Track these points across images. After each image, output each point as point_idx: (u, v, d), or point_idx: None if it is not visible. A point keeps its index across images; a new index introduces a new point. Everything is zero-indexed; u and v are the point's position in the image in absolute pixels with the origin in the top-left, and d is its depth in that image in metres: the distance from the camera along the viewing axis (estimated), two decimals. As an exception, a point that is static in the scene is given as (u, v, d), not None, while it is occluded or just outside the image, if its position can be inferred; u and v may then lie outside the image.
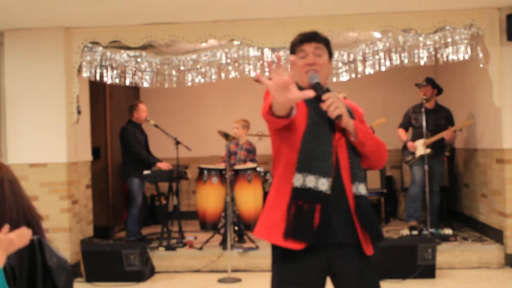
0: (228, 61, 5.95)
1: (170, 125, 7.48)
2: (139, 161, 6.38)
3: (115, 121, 7.29)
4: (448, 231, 5.96)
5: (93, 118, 6.49)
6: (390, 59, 5.75)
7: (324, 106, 2.17)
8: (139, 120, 6.57)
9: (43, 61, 5.74)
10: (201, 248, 5.90)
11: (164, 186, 6.79)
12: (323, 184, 2.17)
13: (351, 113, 2.30)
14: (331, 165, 2.20)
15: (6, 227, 2.15)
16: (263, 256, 5.61)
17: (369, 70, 5.86)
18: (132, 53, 5.99)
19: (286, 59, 5.60)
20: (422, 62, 5.68)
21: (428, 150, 6.14)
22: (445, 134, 6.18)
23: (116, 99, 7.49)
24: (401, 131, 6.57)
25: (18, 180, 2.41)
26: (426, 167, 6.04)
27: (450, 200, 7.44)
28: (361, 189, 2.26)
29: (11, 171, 2.41)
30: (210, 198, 6.07)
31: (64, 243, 5.65)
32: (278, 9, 5.39)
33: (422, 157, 6.21)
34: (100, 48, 5.89)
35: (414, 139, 6.44)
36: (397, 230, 6.41)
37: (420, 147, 6.25)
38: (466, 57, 5.55)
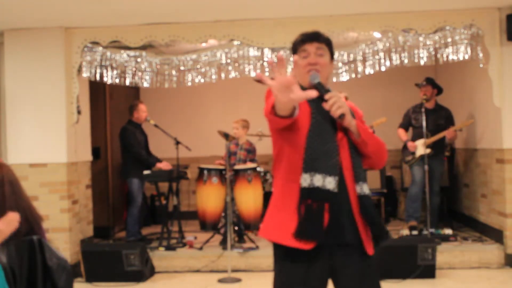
0: (228, 61, 5.95)
1: (170, 125, 7.48)
2: (139, 161, 6.38)
3: (115, 121, 7.29)
4: (448, 231, 5.95)
5: (93, 118, 6.49)
6: (390, 59, 5.75)
7: (326, 105, 2.18)
8: (139, 120, 6.57)
9: (43, 61, 5.74)
10: (201, 248, 5.90)
11: (164, 186, 6.78)
12: (330, 183, 2.19)
13: (352, 113, 2.31)
14: (336, 163, 2.21)
15: None
16: (263, 256, 5.61)
17: (369, 70, 5.86)
18: (132, 53, 5.99)
19: (286, 59, 5.60)
20: (422, 62, 5.68)
21: (428, 150, 6.14)
22: (446, 134, 6.18)
23: (116, 99, 7.49)
24: (401, 131, 6.57)
25: (19, 181, 2.42)
26: (426, 167, 6.04)
27: (450, 200, 7.44)
28: (365, 188, 2.27)
29: (12, 171, 2.41)
30: (210, 198, 6.07)
31: (64, 243, 5.65)
32: (278, 9, 5.39)
33: (422, 157, 6.21)
34: (100, 48, 5.89)
35: (414, 139, 6.44)
36: (397, 230, 6.41)
37: (420, 147, 6.25)
38: (466, 57, 5.55)
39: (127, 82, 6.08)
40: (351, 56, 5.88)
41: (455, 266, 5.56)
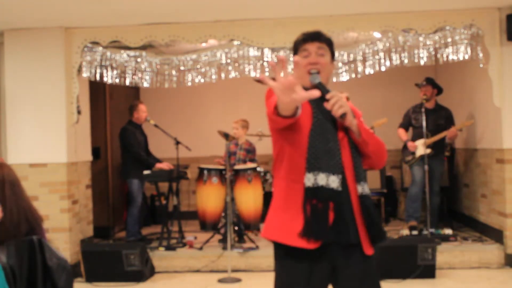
0: (228, 61, 5.95)
1: (170, 125, 7.48)
2: (139, 162, 6.38)
3: (115, 121, 7.29)
4: (448, 231, 5.95)
5: (93, 118, 6.49)
6: (390, 59, 5.75)
7: (328, 105, 2.18)
8: (139, 121, 6.57)
9: (43, 61, 5.74)
10: (201, 248, 5.90)
11: (164, 186, 6.78)
12: (334, 181, 2.19)
13: (352, 113, 2.31)
14: (339, 162, 2.22)
15: None
16: (263, 256, 5.61)
17: (369, 70, 5.86)
18: (132, 53, 5.99)
19: (287, 59, 5.60)
20: (422, 62, 5.68)
21: (428, 150, 6.14)
22: (448, 133, 6.18)
23: (116, 99, 7.49)
24: (401, 131, 6.57)
25: (20, 181, 2.42)
26: (426, 167, 6.04)
27: (450, 200, 7.44)
28: (366, 188, 2.28)
29: (13, 171, 2.41)
30: (210, 198, 6.06)
31: (64, 243, 5.65)
32: (278, 9, 5.39)
33: (422, 157, 6.21)
34: (100, 48, 5.89)
35: (414, 139, 6.44)
36: (397, 230, 6.41)
37: (420, 147, 6.25)
38: (466, 57, 5.55)
39: (127, 82, 6.08)
40: (351, 56, 5.88)
41: (455, 266, 5.56)
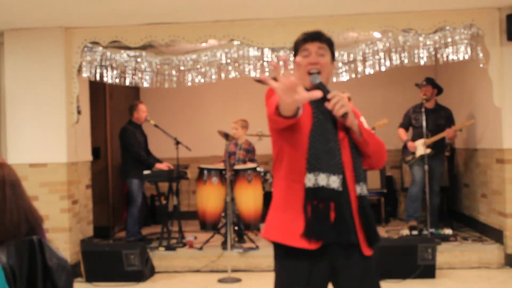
0: (228, 61, 5.95)
1: (170, 125, 7.48)
2: (139, 162, 6.38)
3: (115, 121, 7.29)
4: (448, 231, 5.95)
5: (93, 118, 6.49)
6: (390, 59, 5.75)
7: (329, 104, 2.18)
8: (139, 121, 6.57)
9: (43, 61, 5.74)
10: (201, 248, 5.90)
11: (164, 186, 6.78)
12: (334, 182, 2.19)
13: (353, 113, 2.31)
14: (340, 162, 2.22)
15: None
16: (263, 256, 5.61)
17: (369, 70, 5.86)
18: (132, 53, 5.99)
19: (287, 59, 5.59)
20: (422, 62, 5.68)
21: (428, 150, 6.14)
22: (447, 133, 6.18)
23: (116, 99, 7.49)
24: (401, 131, 6.57)
25: (20, 181, 2.42)
26: (426, 167, 6.04)
27: (450, 200, 7.44)
28: (365, 189, 2.28)
29: (13, 171, 2.41)
30: (210, 198, 6.06)
31: (64, 243, 5.65)
32: (278, 9, 5.39)
33: (422, 157, 6.21)
34: (100, 48, 5.89)
35: (414, 139, 6.44)
36: (397, 230, 6.41)
37: (420, 147, 6.25)
38: (466, 57, 5.55)
39: (127, 82, 6.08)
40: (351, 56, 5.88)
41: (455, 266, 5.56)
